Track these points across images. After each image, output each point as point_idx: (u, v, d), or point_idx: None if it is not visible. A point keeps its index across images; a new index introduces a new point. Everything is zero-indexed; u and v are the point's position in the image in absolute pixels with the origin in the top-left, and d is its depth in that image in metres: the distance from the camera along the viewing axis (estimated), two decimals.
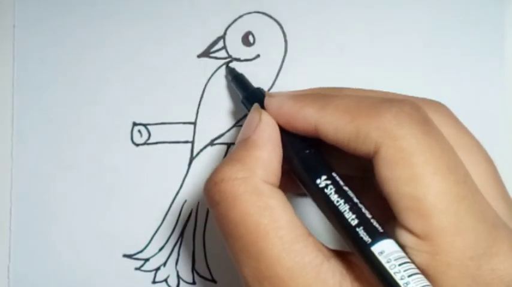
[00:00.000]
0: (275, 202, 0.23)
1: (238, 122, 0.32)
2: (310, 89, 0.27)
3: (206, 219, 0.32)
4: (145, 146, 0.32)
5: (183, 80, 0.32)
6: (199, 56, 0.32)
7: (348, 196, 0.22)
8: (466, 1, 0.32)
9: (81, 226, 0.32)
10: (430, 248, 0.21)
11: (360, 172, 0.26)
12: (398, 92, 0.31)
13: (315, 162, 0.24)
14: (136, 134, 0.32)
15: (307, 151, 0.24)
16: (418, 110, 0.22)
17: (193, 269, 0.32)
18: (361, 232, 0.21)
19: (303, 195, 0.29)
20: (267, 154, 0.24)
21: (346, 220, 0.22)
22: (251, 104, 0.27)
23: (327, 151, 0.24)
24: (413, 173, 0.21)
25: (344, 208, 0.22)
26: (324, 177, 0.23)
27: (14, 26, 0.32)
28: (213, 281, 0.32)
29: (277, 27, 0.32)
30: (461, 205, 0.21)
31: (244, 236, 0.22)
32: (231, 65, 0.32)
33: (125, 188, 0.32)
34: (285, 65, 0.32)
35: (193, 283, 0.32)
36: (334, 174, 0.23)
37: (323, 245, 0.23)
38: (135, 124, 0.32)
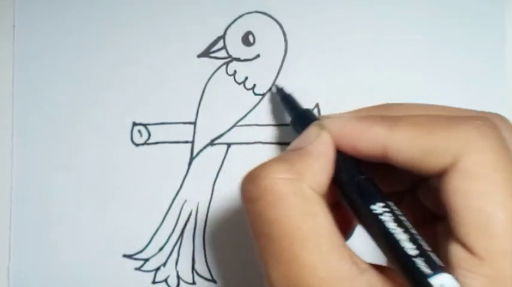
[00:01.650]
0: (319, 209, 0.22)
1: (238, 122, 0.32)
2: (373, 108, 0.26)
3: (206, 219, 0.32)
4: (146, 146, 0.32)
5: (183, 80, 0.32)
6: (199, 56, 0.32)
7: (406, 226, 0.21)
8: (466, 2, 0.32)
9: (81, 226, 0.32)
10: (490, 271, 0.19)
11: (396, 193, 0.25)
12: (398, 93, 0.32)
13: (371, 188, 0.23)
14: (136, 134, 0.32)
15: (363, 176, 0.23)
16: (496, 127, 0.22)
17: (193, 269, 0.32)
18: (419, 262, 0.20)
19: None
20: (318, 164, 0.23)
21: (402, 249, 0.21)
22: (301, 125, 0.26)
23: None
24: (488, 189, 0.20)
25: (401, 237, 0.21)
26: (380, 204, 0.22)
27: (14, 26, 0.32)
28: (213, 281, 0.32)
29: (277, 27, 0.32)
30: None
31: (279, 238, 0.21)
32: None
33: (125, 188, 0.32)
34: (285, 65, 0.32)
35: (193, 283, 0.32)
36: (390, 203, 0.22)
37: (358, 257, 0.22)
38: (135, 124, 0.32)
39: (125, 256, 0.32)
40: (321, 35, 0.32)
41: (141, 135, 0.32)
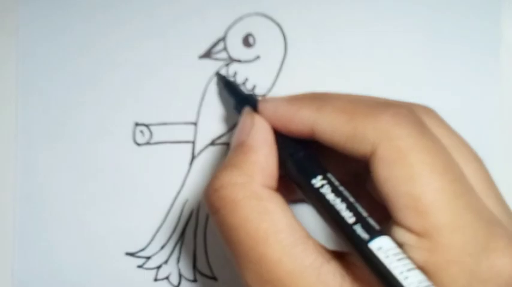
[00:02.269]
0: (274, 206, 0.23)
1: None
2: (304, 94, 0.27)
3: (207, 218, 0.32)
4: (147, 146, 0.32)
5: (185, 81, 0.32)
6: (200, 57, 0.32)
7: (344, 195, 0.23)
8: (464, 2, 0.32)
9: (84, 225, 0.32)
10: (430, 245, 0.21)
11: (353, 177, 0.26)
12: (398, 93, 0.32)
13: (310, 163, 0.24)
14: (138, 134, 0.32)
15: (302, 153, 0.24)
16: (413, 113, 0.23)
17: (194, 267, 0.32)
18: (358, 229, 0.21)
19: (299, 201, 0.30)
20: (263, 157, 0.24)
21: (342, 218, 0.22)
22: (240, 110, 0.27)
23: (320, 154, 0.25)
24: (410, 172, 0.21)
25: (340, 206, 0.22)
26: (319, 177, 0.23)
27: (18, 25, 0.33)
28: (214, 278, 0.32)
29: (277, 28, 0.32)
30: (459, 203, 0.21)
31: (244, 241, 0.23)
32: (222, 72, 0.32)
33: (127, 187, 0.32)
34: (284, 66, 0.32)
35: (195, 280, 0.32)
36: (329, 174, 0.23)
37: (323, 246, 0.23)
38: (137, 124, 0.32)
39: (127, 253, 0.32)
40: (321, 36, 0.32)
41: (143, 135, 0.32)
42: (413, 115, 0.23)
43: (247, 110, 0.26)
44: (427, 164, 0.21)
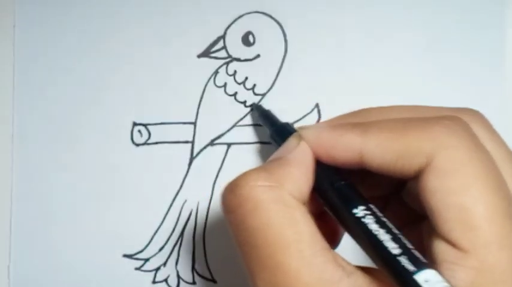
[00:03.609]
0: (299, 215, 0.22)
1: (238, 122, 0.32)
2: (345, 116, 0.26)
3: (206, 219, 0.32)
4: (146, 146, 0.32)
5: (183, 80, 0.32)
6: (199, 56, 0.32)
7: (388, 226, 0.22)
8: (467, 2, 0.32)
9: (82, 226, 0.32)
10: (476, 263, 0.20)
11: (389, 190, 0.26)
12: (398, 93, 0.32)
13: (351, 192, 0.23)
14: (136, 134, 0.32)
15: (343, 182, 0.24)
16: (465, 123, 0.22)
17: (193, 269, 0.32)
18: (403, 260, 0.20)
19: None
20: (298, 172, 0.23)
21: (386, 249, 0.21)
22: (281, 138, 0.26)
23: (358, 182, 0.24)
24: (464, 184, 0.20)
25: (384, 237, 0.21)
26: (361, 207, 0.22)
27: (14, 26, 0.32)
28: (213, 281, 0.32)
29: (277, 27, 0.32)
30: (509, 221, 0.20)
31: (262, 246, 0.21)
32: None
33: (125, 188, 0.32)
34: (285, 65, 0.32)
35: (193, 282, 0.32)
36: (371, 205, 0.23)
37: (344, 260, 0.22)
38: (135, 124, 0.32)
39: (125, 255, 0.32)
40: (321, 34, 0.32)
41: (141, 135, 0.32)
42: (467, 126, 0.22)
43: (296, 134, 0.25)
44: (481, 178, 0.20)
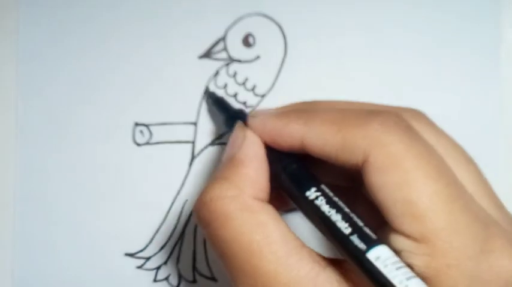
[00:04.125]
0: (266, 217, 0.23)
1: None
2: (292, 105, 0.27)
3: None
4: (147, 146, 0.32)
5: (185, 81, 0.32)
6: (200, 57, 0.32)
7: (339, 206, 0.22)
8: (463, 3, 0.32)
9: (83, 225, 0.32)
10: (429, 250, 0.21)
11: (349, 181, 0.26)
12: (397, 94, 0.32)
13: (303, 175, 0.24)
14: (138, 134, 0.32)
15: (295, 165, 0.24)
16: (402, 119, 0.23)
17: (194, 267, 0.32)
18: (355, 239, 0.21)
19: (292, 211, 0.30)
20: (253, 170, 0.24)
21: (339, 229, 0.22)
22: (231, 125, 0.27)
23: (313, 164, 0.25)
24: (405, 178, 0.21)
25: (336, 217, 0.22)
26: (313, 189, 0.23)
27: (18, 26, 0.33)
28: (214, 279, 0.32)
29: (277, 28, 0.32)
30: (455, 205, 0.21)
31: (238, 254, 0.22)
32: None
33: (127, 187, 0.32)
34: (284, 67, 0.32)
35: (194, 281, 0.32)
36: (323, 186, 0.23)
37: (318, 254, 0.23)
38: (136, 124, 0.32)
39: (126, 254, 0.32)
40: (321, 36, 0.32)
41: (142, 135, 0.32)
42: (402, 121, 0.23)
43: (239, 124, 0.26)
44: (420, 169, 0.21)
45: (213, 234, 0.23)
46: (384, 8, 0.32)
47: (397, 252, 0.21)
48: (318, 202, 0.23)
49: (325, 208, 0.22)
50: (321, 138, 0.23)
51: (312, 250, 0.23)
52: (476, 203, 0.22)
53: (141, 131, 0.32)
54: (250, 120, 0.26)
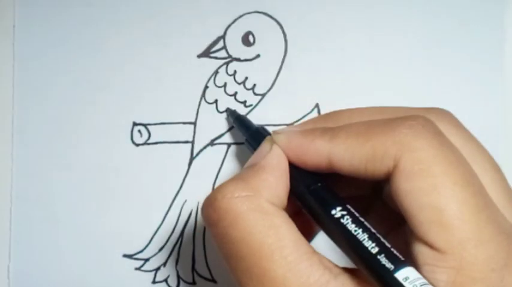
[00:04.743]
0: (280, 221, 0.22)
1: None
2: (313, 119, 0.26)
3: None
4: (146, 146, 0.32)
5: (183, 80, 0.32)
6: (199, 56, 0.32)
7: (365, 225, 0.22)
8: (466, 2, 0.32)
9: (81, 226, 0.32)
10: (454, 262, 0.20)
11: (360, 193, 0.26)
12: (397, 93, 0.32)
13: (328, 194, 0.24)
14: (136, 134, 0.32)
15: (319, 184, 0.24)
16: (430, 122, 0.22)
17: (193, 269, 0.32)
18: (382, 259, 0.21)
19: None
20: (273, 177, 0.23)
21: (365, 248, 0.21)
22: (256, 143, 0.27)
23: (334, 183, 0.24)
24: (433, 184, 0.20)
25: (363, 236, 0.21)
26: (339, 208, 0.22)
27: (14, 26, 0.32)
28: (213, 281, 0.32)
29: (278, 27, 0.32)
30: (481, 216, 0.20)
31: (247, 256, 0.21)
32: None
33: (125, 188, 0.32)
34: (285, 65, 0.32)
35: (193, 283, 0.32)
36: (348, 205, 0.23)
37: (330, 262, 0.22)
38: (135, 124, 0.32)
39: (125, 255, 0.32)
40: (321, 34, 0.32)
41: (141, 135, 0.32)
42: (431, 125, 0.22)
43: (268, 138, 0.25)
44: (449, 176, 0.21)
45: (221, 233, 0.22)
46: (385, 6, 0.32)
47: (419, 264, 0.21)
48: (343, 221, 0.22)
49: (352, 227, 0.22)
50: (348, 152, 0.22)
51: (323, 257, 0.22)
52: (500, 213, 0.21)
53: (140, 131, 0.32)
54: (275, 137, 0.25)
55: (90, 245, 0.32)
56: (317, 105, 0.32)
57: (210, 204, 0.23)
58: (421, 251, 0.21)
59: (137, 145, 0.32)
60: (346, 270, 0.22)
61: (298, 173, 0.24)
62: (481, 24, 0.32)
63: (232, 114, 0.31)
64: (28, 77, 0.32)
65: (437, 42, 0.32)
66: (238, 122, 0.31)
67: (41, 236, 0.32)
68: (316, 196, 0.24)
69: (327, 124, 0.25)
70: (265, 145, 0.25)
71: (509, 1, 0.32)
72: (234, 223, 0.22)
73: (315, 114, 0.32)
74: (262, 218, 0.22)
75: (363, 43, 0.32)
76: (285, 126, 0.31)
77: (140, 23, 0.32)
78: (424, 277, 0.20)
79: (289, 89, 0.32)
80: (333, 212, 0.22)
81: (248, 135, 0.29)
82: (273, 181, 0.23)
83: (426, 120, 0.22)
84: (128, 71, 0.32)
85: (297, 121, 0.32)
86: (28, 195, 0.32)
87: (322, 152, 0.23)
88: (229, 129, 0.32)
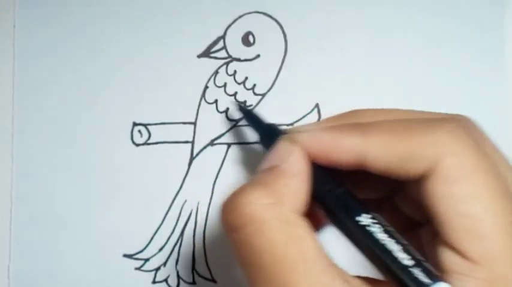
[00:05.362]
0: (303, 232, 0.21)
1: (238, 122, 0.32)
2: (336, 116, 0.25)
3: (206, 219, 0.32)
4: (146, 146, 0.32)
5: (184, 80, 0.32)
6: (199, 56, 0.32)
7: (395, 236, 0.21)
8: (466, 2, 0.32)
9: (82, 226, 0.32)
10: (486, 275, 0.19)
11: (375, 195, 0.25)
12: (398, 93, 0.32)
13: (352, 200, 0.23)
14: (136, 134, 0.32)
15: (342, 189, 0.23)
16: (469, 128, 0.22)
17: (193, 269, 0.32)
18: (417, 272, 0.20)
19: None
20: (296, 184, 0.22)
21: (397, 259, 0.21)
22: (269, 140, 0.25)
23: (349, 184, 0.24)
24: (473, 192, 0.20)
25: (395, 247, 0.21)
26: (365, 215, 0.22)
27: (14, 26, 0.32)
28: (213, 281, 0.32)
29: (277, 27, 0.32)
30: None
31: (269, 266, 0.21)
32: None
33: (125, 188, 0.32)
34: (285, 65, 0.32)
35: (193, 282, 0.32)
36: (376, 214, 0.22)
37: (348, 274, 0.22)
38: (135, 124, 0.32)
39: (125, 255, 0.32)
40: (321, 34, 0.32)
41: (141, 135, 0.32)
42: (469, 131, 0.21)
43: (286, 137, 0.24)
44: (489, 187, 0.20)
45: (244, 240, 0.21)
46: (386, 6, 0.32)
47: (447, 273, 0.20)
48: (371, 229, 0.21)
49: (381, 236, 0.21)
50: (382, 150, 0.22)
51: (341, 270, 0.22)
52: None
53: (140, 131, 0.32)
54: (297, 136, 0.24)
55: (90, 245, 0.32)
56: (317, 105, 0.32)
57: (232, 209, 0.22)
58: (450, 258, 0.20)
59: (137, 145, 0.32)
60: (363, 281, 0.22)
61: (320, 176, 0.23)
62: (481, 24, 0.32)
63: (241, 110, 0.31)
64: (28, 77, 0.32)
65: (437, 42, 0.32)
66: (248, 117, 0.30)
67: (41, 236, 0.32)
68: (340, 201, 0.23)
69: (352, 121, 0.24)
70: (284, 145, 0.24)
71: (509, 1, 0.32)
72: (259, 231, 0.21)
73: (315, 114, 0.32)
74: (287, 229, 0.21)
75: (363, 43, 0.32)
76: (301, 124, 0.29)
77: (140, 23, 0.32)
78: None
79: (289, 89, 0.32)
80: (359, 218, 0.22)
81: (262, 133, 0.28)
82: (295, 187, 0.22)
83: (465, 125, 0.22)
84: (128, 71, 0.32)
85: (297, 121, 0.32)
86: (28, 195, 0.32)
87: (354, 149, 0.22)
88: (229, 130, 0.32)
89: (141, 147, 0.32)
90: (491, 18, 0.32)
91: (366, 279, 0.22)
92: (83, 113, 0.32)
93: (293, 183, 0.22)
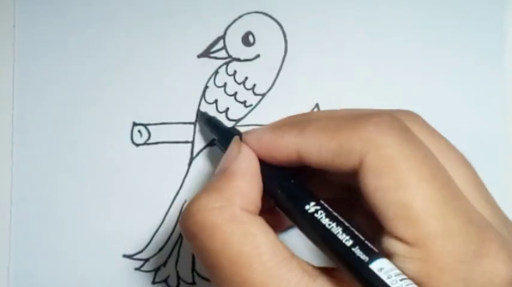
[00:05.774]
0: (255, 228, 0.22)
1: (238, 122, 0.32)
2: (285, 119, 0.27)
3: None
4: (146, 146, 0.32)
5: (183, 80, 0.32)
6: (199, 56, 0.32)
7: (339, 219, 0.22)
8: (466, 2, 0.32)
9: (81, 226, 0.32)
10: (422, 254, 0.20)
11: (346, 193, 0.26)
12: (398, 93, 0.32)
13: (301, 190, 0.24)
14: (136, 134, 0.32)
15: (291, 181, 0.24)
16: (396, 120, 0.23)
17: (193, 269, 0.32)
18: (357, 251, 0.21)
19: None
20: (245, 183, 0.24)
21: (340, 241, 0.22)
22: (227, 143, 0.27)
23: (308, 180, 0.24)
24: (399, 180, 0.21)
25: (337, 230, 0.22)
26: (312, 203, 0.23)
27: (14, 26, 0.32)
28: None
29: (277, 27, 0.32)
30: (448, 209, 0.21)
31: (226, 266, 0.22)
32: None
33: (125, 188, 0.32)
34: (284, 65, 0.32)
35: (193, 283, 0.32)
36: (321, 201, 0.23)
37: (308, 264, 0.23)
38: (135, 124, 0.32)
39: (124, 256, 0.32)
40: (321, 35, 0.32)
41: (141, 135, 0.32)
42: (397, 122, 0.22)
43: (235, 139, 0.26)
44: (415, 171, 0.21)
45: (200, 246, 0.23)
46: (385, 6, 0.32)
47: (390, 256, 0.21)
48: (317, 215, 0.22)
49: (326, 221, 0.22)
50: (316, 146, 0.23)
51: (301, 260, 0.23)
52: (470, 205, 0.22)
53: (140, 131, 0.32)
54: (244, 137, 0.26)
55: (90, 245, 0.32)
56: (317, 105, 0.32)
57: (186, 218, 0.23)
58: (390, 243, 0.21)
59: (137, 145, 0.32)
60: (324, 271, 0.22)
61: (270, 171, 0.24)
62: (481, 24, 0.32)
63: (202, 116, 0.31)
64: (28, 77, 0.32)
65: (437, 42, 0.32)
66: (209, 125, 0.31)
67: (41, 236, 0.32)
68: (289, 192, 0.24)
69: (296, 121, 0.25)
70: (233, 147, 0.25)
71: (509, 1, 0.32)
72: (211, 235, 0.22)
73: None
74: (238, 228, 0.22)
75: (363, 43, 0.32)
76: (255, 127, 0.30)
77: (140, 23, 0.32)
78: (397, 267, 0.21)
79: (289, 89, 0.32)
80: (307, 207, 0.23)
81: (219, 137, 0.29)
82: (245, 186, 0.24)
83: (392, 118, 0.22)
84: (128, 71, 0.32)
85: None
86: (28, 195, 0.32)
87: (291, 146, 0.24)
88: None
89: (141, 147, 0.32)
90: (491, 18, 0.32)
91: (327, 269, 0.23)
92: (83, 113, 0.32)
93: (242, 183, 0.24)
